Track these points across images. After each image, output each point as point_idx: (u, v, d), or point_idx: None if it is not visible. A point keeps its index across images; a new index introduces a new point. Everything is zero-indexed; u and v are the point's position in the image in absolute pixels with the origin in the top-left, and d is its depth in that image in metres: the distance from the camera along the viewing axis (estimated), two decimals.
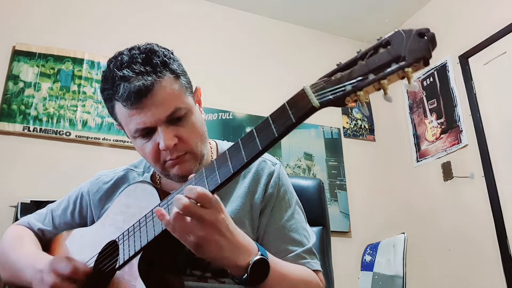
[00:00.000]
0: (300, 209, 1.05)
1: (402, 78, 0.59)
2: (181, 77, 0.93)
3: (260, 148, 0.70)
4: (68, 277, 0.83)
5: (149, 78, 0.86)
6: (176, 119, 0.89)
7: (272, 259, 0.82)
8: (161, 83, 0.87)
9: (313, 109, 0.65)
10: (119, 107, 0.90)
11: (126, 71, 0.86)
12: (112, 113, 0.95)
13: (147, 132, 0.90)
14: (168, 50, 0.94)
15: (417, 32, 0.57)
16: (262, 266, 0.78)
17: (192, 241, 0.72)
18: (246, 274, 0.76)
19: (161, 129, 0.87)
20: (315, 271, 0.95)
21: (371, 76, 0.59)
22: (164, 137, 0.87)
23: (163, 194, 0.86)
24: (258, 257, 0.78)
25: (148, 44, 0.93)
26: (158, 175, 1.07)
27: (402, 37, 0.58)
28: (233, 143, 1.11)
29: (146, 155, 0.94)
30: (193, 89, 0.99)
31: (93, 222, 1.08)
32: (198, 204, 0.71)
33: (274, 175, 1.02)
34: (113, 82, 0.88)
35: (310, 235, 1.01)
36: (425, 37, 0.56)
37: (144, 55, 0.89)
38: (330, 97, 0.63)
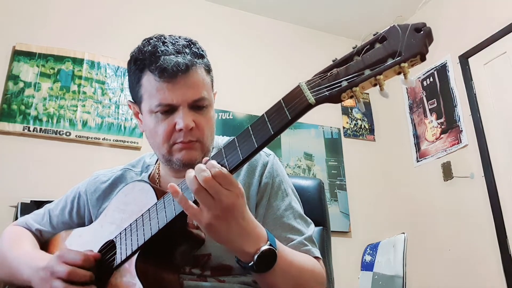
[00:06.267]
0: (296, 197, 1.05)
1: (399, 73, 0.58)
2: (211, 73, 1.00)
3: (256, 146, 0.69)
4: (81, 265, 0.84)
5: (189, 58, 0.91)
6: (199, 106, 0.93)
7: (280, 247, 0.83)
8: (197, 69, 0.93)
9: (309, 106, 0.64)
10: (148, 78, 0.92)
11: (169, 47, 0.91)
12: (135, 85, 0.96)
13: (167, 111, 0.92)
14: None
15: (413, 27, 0.57)
16: (269, 256, 0.78)
17: (204, 219, 0.73)
18: (252, 262, 0.77)
19: (183, 111, 0.91)
20: (316, 258, 0.95)
21: (367, 72, 0.59)
22: (184, 117, 0.90)
23: (161, 193, 0.86)
24: (266, 247, 0.78)
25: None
26: (156, 173, 1.07)
27: (398, 32, 0.57)
28: (227, 137, 1.12)
29: (157, 134, 0.94)
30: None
31: (91, 221, 1.07)
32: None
33: (268, 165, 1.02)
34: (153, 53, 0.91)
35: (309, 223, 1.01)
36: (422, 32, 0.56)
37: (185, 41, 0.95)
38: (326, 93, 0.63)
